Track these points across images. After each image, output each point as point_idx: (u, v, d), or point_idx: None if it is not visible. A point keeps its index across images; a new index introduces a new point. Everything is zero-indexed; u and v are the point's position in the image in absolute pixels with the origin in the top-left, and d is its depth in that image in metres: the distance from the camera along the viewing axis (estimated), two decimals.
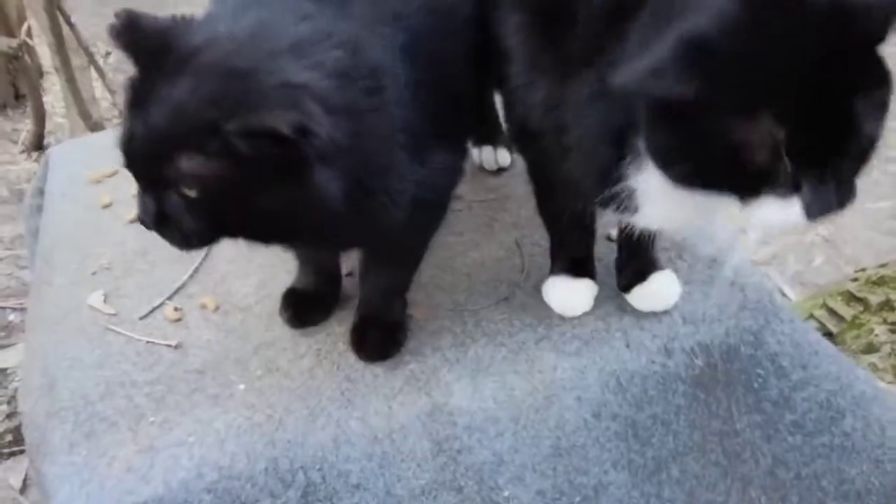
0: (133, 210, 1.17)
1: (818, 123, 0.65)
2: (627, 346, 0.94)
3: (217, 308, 1.04)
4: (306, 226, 0.77)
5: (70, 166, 1.33)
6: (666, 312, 0.96)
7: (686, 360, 0.94)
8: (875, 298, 1.67)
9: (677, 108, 0.65)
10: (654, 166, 0.71)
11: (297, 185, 0.72)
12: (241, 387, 0.94)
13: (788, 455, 0.98)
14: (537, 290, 1.01)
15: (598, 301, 0.98)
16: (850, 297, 1.69)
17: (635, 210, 0.78)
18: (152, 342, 1.00)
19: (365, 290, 0.99)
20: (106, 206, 1.22)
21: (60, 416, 0.93)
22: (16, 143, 2.93)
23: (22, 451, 1.74)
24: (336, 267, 1.03)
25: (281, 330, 1.00)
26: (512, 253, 1.08)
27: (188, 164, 0.72)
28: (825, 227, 2.43)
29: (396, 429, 0.90)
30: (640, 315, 0.97)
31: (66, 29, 2.31)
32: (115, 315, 1.04)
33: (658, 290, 0.98)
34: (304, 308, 1.01)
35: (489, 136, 1.20)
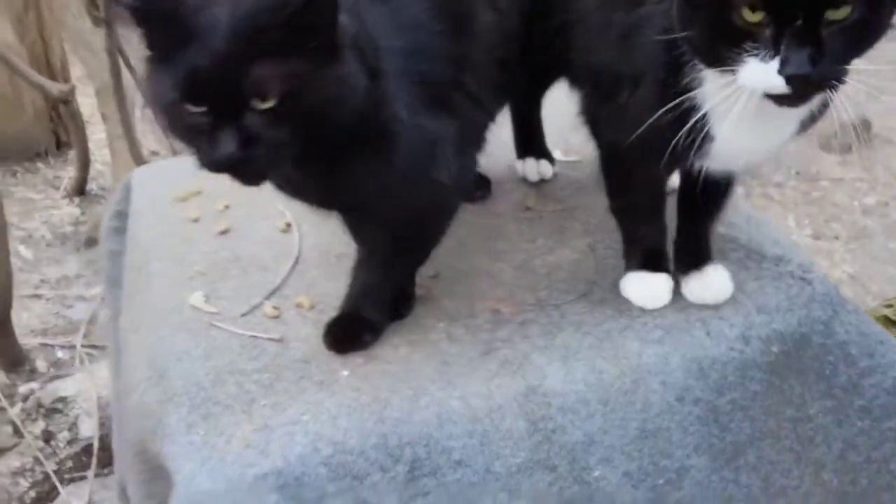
0: (222, 223, 1.27)
1: None
2: (708, 334, 1.01)
3: (312, 307, 1.11)
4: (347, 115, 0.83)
5: (154, 187, 1.41)
6: (741, 303, 1.03)
7: (762, 348, 1.01)
8: None
9: None
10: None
11: (338, 70, 0.81)
12: (345, 373, 1.00)
13: (858, 439, 1.03)
14: (614, 287, 1.08)
15: (676, 294, 1.05)
16: (888, 322, 1.76)
17: (707, 143, 0.86)
18: (255, 336, 1.06)
19: (351, 285, 1.06)
20: (195, 220, 1.30)
21: (175, 402, 0.98)
22: (57, 189, 3.02)
23: (83, 478, 1.79)
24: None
25: None
26: (586, 256, 1.15)
27: (263, 70, 0.77)
28: (850, 265, 2.51)
29: (495, 409, 0.96)
30: (718, 307, 1.03)
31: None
32: (216, 313, 1.11)
33: (712, 282, 1.05)
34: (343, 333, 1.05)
35: (532, 148, 1.30)
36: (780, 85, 0.78)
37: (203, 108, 0.79)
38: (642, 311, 1.04)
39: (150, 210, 1.35)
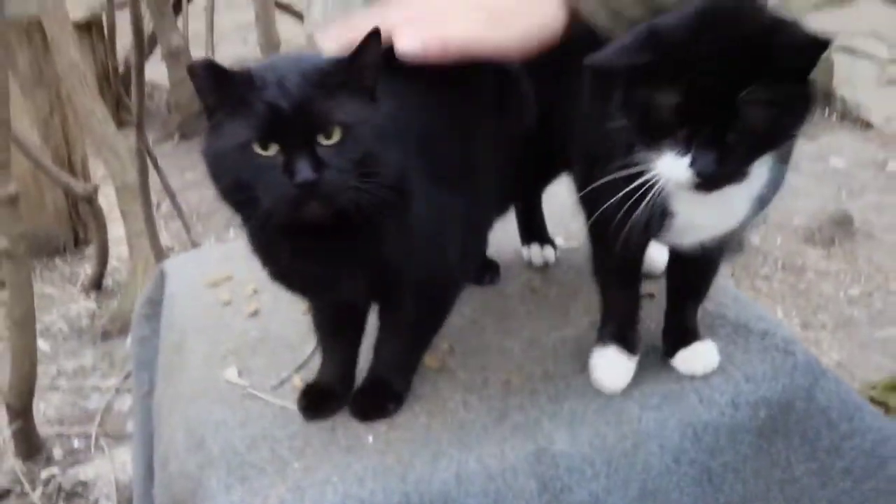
0: (251, 305, 1.38)
1: (711, 105, 0.89)
2: (700, 400, 1.10)
3: None
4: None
5: (187, 274, 1.52)
6: (730, 373, 1.13)
7: (750, 413, 1.10)
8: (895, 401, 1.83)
9: (633, 76, 0.92)
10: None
11: (382, 107, 0.97)
12: (370, 438, 1.09)
13: (842, 498, 1.12)
14: None
15: (668, 364, 1.16)
16: (873, 402, 1.85)
17: (668, 219, 1.00)
18: (286, 406, 1.16)
19: (375, 358, 1.16)
20: (226, 303, 1.41)
21: (214, 466, 1.07)
22: (74, 284, 3.14)
23: None
24: (353, 362, 1.18)
25: None
26: (588, 333, 1.25)
27: (330, 108, 0.92)
28: (837, 353, 2.61)
29: (508, 469, 1.05)
30: (709, 376, 1.13)
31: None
32: (249, 386, 1.21)
33: (700, 354, 1.16)
34: (318, 401, 1.15)
35: (536, 235, 1.42)
36: (688, 179, 0.91)
37: (276, 147, 0.92)
38: (641, 380, 1.14)
39: (185, 295, 1.46)
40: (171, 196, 2.52)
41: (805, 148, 4.05)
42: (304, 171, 0.91)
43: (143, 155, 2.29)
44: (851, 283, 2.91)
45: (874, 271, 2.98)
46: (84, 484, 1.96)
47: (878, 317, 2.74)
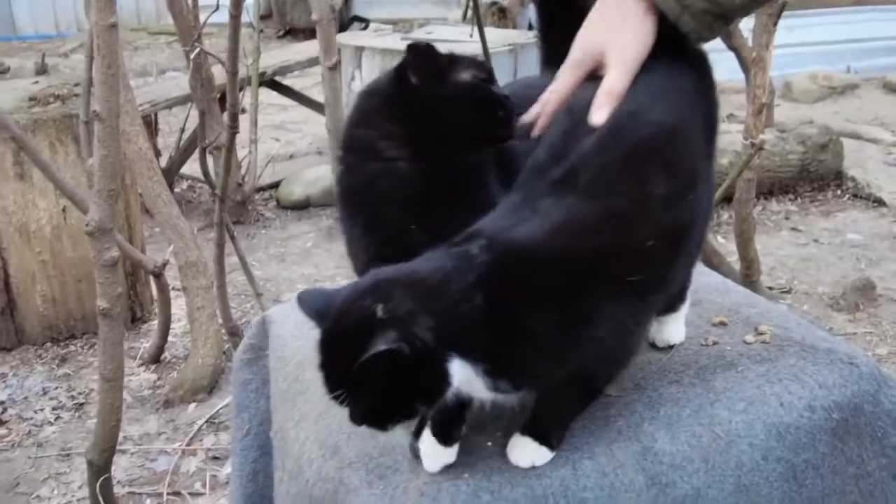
0: None
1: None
2: (781, 404, 1.24)
3: None
4: None
5: (291, 318, 1.68)
6: (804, 381, 1.27)
7: (826, 416, 1.24)
8: None
9: None
10: None
11: None
12: (489, 444, 1.22)
13: None
14: (697, 375, 1.32)
15: (747, 372, 1.30)
16: None
17: None
18: None
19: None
20: None
21: (352, 467, 1.21)
22: (133, 358, 3.27)
23: None
24: None
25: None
26: (668, 353, 1.40)
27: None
28: None
29: (618, 466, 1.18)
30: (786, 383, 1.27)
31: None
32: None
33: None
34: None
35: None
36: None
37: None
38: (726, 387, 1.28)
39: (294, 334, 1.61)
40: (245, 266, 2.69)
41: (822, 224, 4.25)
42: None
43: (222, 228, 2.46)
44: (878, 344, 3.05)
45: None
46: None
47: None
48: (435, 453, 1.18)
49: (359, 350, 0.99)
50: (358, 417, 1.06)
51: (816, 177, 4.64)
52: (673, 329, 1.39)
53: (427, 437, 1.18)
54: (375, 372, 0.99)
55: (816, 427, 1.24)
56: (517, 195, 1.15)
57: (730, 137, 3.76)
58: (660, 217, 1.11)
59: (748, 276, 3.31)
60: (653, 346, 1.39)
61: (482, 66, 1.28)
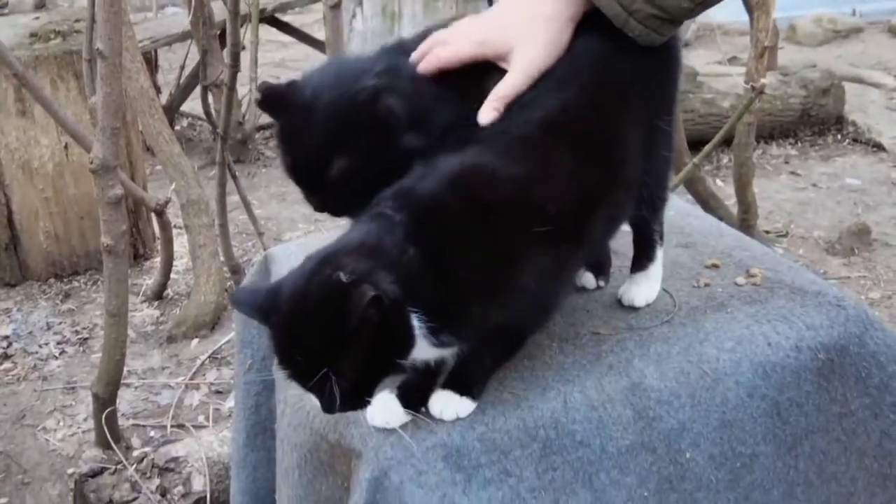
0: None
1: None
2: (769, 344, 1.28)
3: None
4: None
5: (294, 259, 1.70)
6: (793, 322, 1.31)
7: (811, 356, 1.28)
8: None
9: None
10: None
11: None
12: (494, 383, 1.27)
13: (892, 429, 1.30)
14: (688, 316, 1.36)
15: (741, 308, 1.34)
16: None
17: None
18: None
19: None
20: None
21: None
22: (136, 294, 3.32)
23: None
24: None
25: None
26: (663, 295, 1.43)
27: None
28: None
29: (607, 400, 1.22)
30: (774, 323, 1.31)
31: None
32: None
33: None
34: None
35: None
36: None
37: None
38: (715, 327, 1.32)
39: None
40: (247, 206, 2.71)
41: (821, 168, 4.27)
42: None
43: (224, 168, 2.48)
44: (872, 288, 3.10)
45: (893, 277, 3.16)
46: (176, 459, 2.12)
47: None
48: (384, 409, 1.18)
49: (340, 316, 0.99)
50: (338, 400, 1.06)
51: (817, 121, 4.64)
52: (637, 290, 1.39)
53: (384, 394, 1.18)
54: (370, 325, 1.00)
55: (802, 367, 1.28)
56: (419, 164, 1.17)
57: (731, 80, 3.75)
58: (557, 186, 1.15)
59: (745, 220, 3.33)
60: (619, 302, 1.42)
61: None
